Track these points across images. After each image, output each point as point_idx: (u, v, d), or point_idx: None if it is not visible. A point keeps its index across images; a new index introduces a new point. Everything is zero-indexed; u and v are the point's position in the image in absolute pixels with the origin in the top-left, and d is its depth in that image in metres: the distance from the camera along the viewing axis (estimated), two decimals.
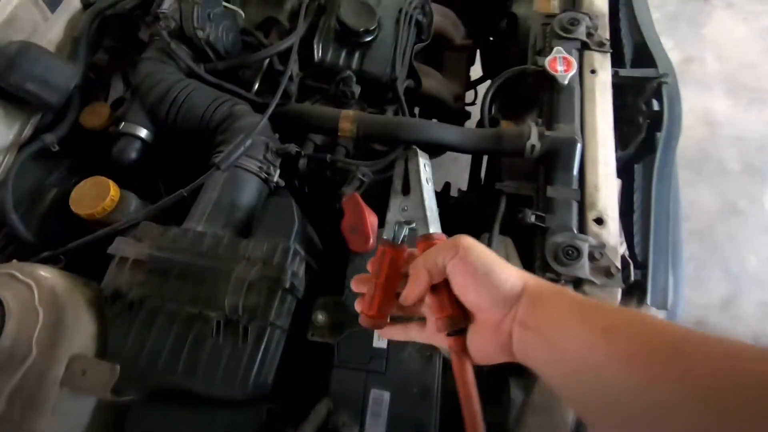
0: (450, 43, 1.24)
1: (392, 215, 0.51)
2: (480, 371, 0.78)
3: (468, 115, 1.31)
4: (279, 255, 0.67)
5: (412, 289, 0.46)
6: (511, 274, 0.42)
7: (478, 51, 1.45)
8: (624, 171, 0.92)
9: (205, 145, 0.83)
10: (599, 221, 0.79)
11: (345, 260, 0.72)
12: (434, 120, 0.96)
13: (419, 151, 0.52)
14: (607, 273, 0.75)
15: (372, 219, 0.67)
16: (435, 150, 0.85)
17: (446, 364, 0.66)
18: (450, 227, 1.06)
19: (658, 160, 0.91)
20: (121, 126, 0.85)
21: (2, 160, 0.88)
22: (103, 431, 0.63)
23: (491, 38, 1.37)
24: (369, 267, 0.51)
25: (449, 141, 0.84)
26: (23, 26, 0.87)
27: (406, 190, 0.51)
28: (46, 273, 0.68)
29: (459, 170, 1.71)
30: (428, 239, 0.48)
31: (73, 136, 0.91)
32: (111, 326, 0.66)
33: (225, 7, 0.97)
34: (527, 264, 0.80)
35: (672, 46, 2.18)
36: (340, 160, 0.88)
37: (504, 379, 0.74)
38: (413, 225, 0.50)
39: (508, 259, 0.81)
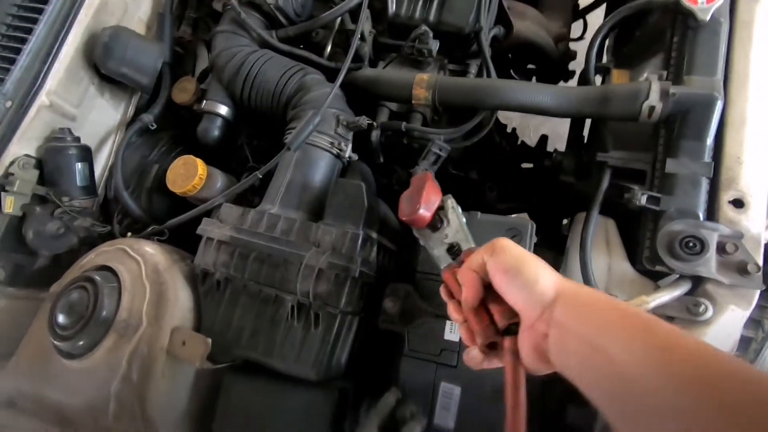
0: None
1: (438, 248, 0.57)
2: (535, 395, 0.72)
3: (573, 56, 1.11)
4: (348, 242, 0.66)
5: (467, 293, 0.47)
6: (541, 275, 0.42)
7: None
8: None
9: (280, 120, 0.82)
10: (738, 203, 0.63)
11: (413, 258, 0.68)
12: (529, 74, 0.80)
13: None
14: (742, 270, 0.60)
15: (433, 195, 0.60)
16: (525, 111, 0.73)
17: None
18: (543, 199, 0.94)
19: None
20: (203, 105, 0.87)
21: (113, 139, 0.98)
22: (203, 392, 0.72)
23: None
24: (444, 296, 0.53)
25: (542, 105, 0.71)
26: (114, 9, 0.91)
27: (434, 228, 0.58)
28: (151, 249, 0.76)
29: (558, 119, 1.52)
30: (472, 251, 0.52)
31: (168, 113, 0.97)
32: (203, 302, 0.73)
33: None
34: (632, 255, 0.68)
35: None
36: (416, 129, 0.81)
37: (563, 406, 0.67)
38: (456, 247, 0.55)
39: (608, 245, 0.70)
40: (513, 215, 1.20)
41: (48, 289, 0.80)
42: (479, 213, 0.67)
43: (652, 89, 0.65)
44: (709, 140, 0.64)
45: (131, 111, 0.99)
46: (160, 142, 1.00)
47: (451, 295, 0.52)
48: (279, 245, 0.68)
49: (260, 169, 0.75)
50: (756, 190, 0.63)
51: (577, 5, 1.18)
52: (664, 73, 0.69)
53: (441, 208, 0.59)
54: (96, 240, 0.88)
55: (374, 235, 0.70)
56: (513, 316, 0.45)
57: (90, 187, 0.88)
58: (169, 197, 0.90)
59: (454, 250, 0.56)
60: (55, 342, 0.70)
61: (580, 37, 1.24)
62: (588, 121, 0.89)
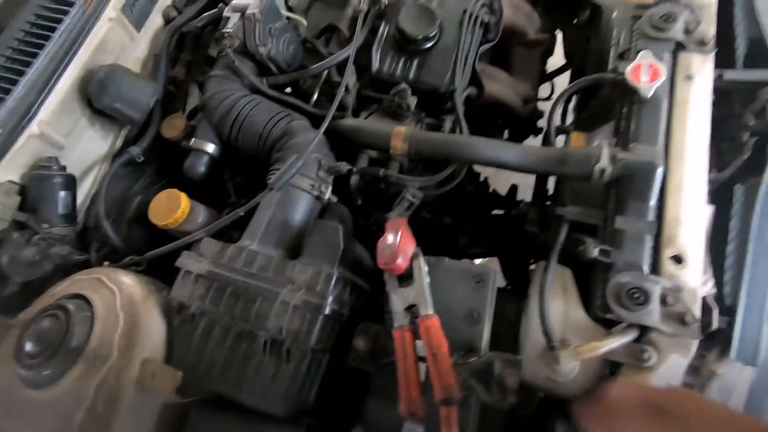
0: (522, 37, 1.14)
1: (398, 304, 0.65)
2: (528, 407, 0.75)
3: (540, 116, 1.21)
4: (322, 282, 0.69)
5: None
6: None
7: (560, 35, 1.31)
8: (719, 193, 0.79)
9: (264, 161, 0.87)
10: (677, 259, 0.70)
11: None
12: (497, 134, 0.88)
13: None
14: (681, 321, 0.66)
15: (408, 245, 0.66)
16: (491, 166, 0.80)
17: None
18: (511, 246, 0.99)
19: (765, 183, 0.77)
20: (192, 142, 0.92)
21: (99, 169, 1.01)
22: (168, 427, 0.71)
23: (571, 34, 1.23)
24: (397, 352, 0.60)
25: (506, 161, 0.78)
26: (113, 48, 0.96)
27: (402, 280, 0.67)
28: (127, 279, 0.78)
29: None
30: (429, 318, 0.62)
31: (155, 146, 1.01)
32: (177, 334, 0.74)
33: (288, 18, 0.99)
34: (587, 302, 0.73)
35: None
36: (392, 176, 0.87)
37: (551, 418, 0.71)
38: (415, 307, 0.64)
39: (565, 292, 0.75)
40: (483, 259, 1.26)
41: (15, 316, 0.80)
42: (447, 258, 0.72)
43: (603, 154, 0.73)
44: (652, 201, 0.72)
45: (119, 143, 1.02)
46: (144, 174, 1.02)
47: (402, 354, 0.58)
48: (255, 281, 0.71)
49: (242, 206, 0.79)
50: (693, 248, 0.70)
51: (545, 71, 1.30)
52: (614, 140, 0.78)
53: (413, 258, 0.66)
54: (71, 268, 0.88)
55: (348, 275, 0.73)
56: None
57: (71, 215, 0.90)
58: (149, 229, 0.92)
59: (412, 310, 0.65)
60: (21, 371, 0.70)
61: (548, 98, 1.35)
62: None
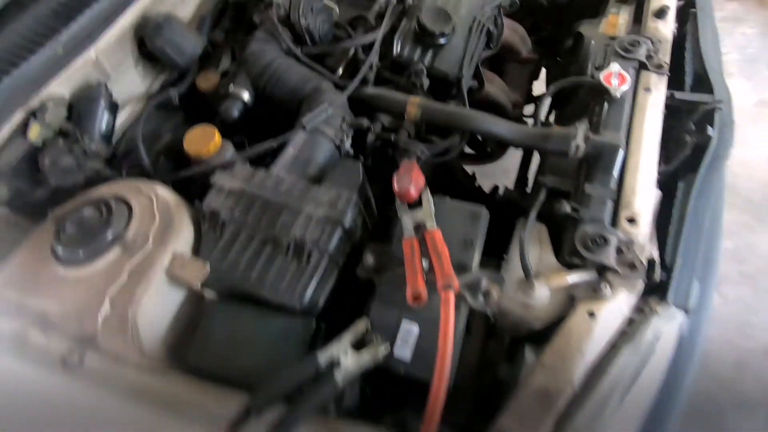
0: (516, 55, 1.35)
1: (408, 222, 0.78)
2: (502, 337, 0.87)
3: (524, 122, 1.40)
4: (343, 201, 0.81)
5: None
6: None
7: (543, 69, 1.54)
8: (666, 187, 0.98)
9: (292, 112, 0.99)
10: (631, 220, 0.86)
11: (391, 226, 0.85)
12: None
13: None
14: (632, 266, 0.81)
15: (420, 179, 0.79)
16: (487, 139, 0.96)
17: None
18: (495, 220, 1.16)
19: (700, 176, 0.96)
20: (230, 88, 1.03)
21: (133, 107, 1.10)
22: (186, 318, 0.79)
23: (556, 57, 1.46)
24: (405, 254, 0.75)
25: (500, 133, 0.94)
26: (167, 3, 1.09)
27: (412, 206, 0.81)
28: (162, 189, 0.87)
29: (509, 181, 1.80)
30: (434, 231, 0.76)
31: (188, 95, 1.12)
32: (204, 239, 0.83)
33: (324, 3, 1.15)
34: (557, 251, 0.88)
35: (750, 88, 2.13)
36: (402, 141, 1.01)
37: (521, 343, 0.83)
38: (423, 225, 0.78)
39: (540, 242, 0.89)
40: None
41: (35, 221, 0.86)
42: (448, 198, 0.85)
43: (579, 133, 0.90)
44: (615, 173, 0.89)
45: (156, 87, 1.13)
46: (174, 117, 1.12)
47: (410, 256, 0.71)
48: (282, 197, 0.82)
49: (276, 139, 0.91)
50: (643, 214, 0.87)
51: (531, 90, 1.51)
52: (587, 126, 0.96)
53: (422, 191, 0.80)
54: (101, 183, 0.95)
55: (361, 206, 0.85)
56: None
57: (108, 137, 0.98)
58: (175, 163, 1.01)
59: (419, 228, 0.77)
60: (58, 248, 0.76)
61: (532, 116, 1.55)
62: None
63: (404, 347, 0.74)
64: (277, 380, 0.63)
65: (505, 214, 1.15)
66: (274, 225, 0.80)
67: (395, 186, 0.78)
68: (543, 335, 0.81)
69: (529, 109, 1.56)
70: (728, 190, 0.97)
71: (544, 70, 1.55)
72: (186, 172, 0.93)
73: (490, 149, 1.38)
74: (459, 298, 0.75)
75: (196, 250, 0.82)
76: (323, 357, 0.66)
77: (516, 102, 1.32)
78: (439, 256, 0.70)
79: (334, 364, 0.66)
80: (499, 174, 1.85)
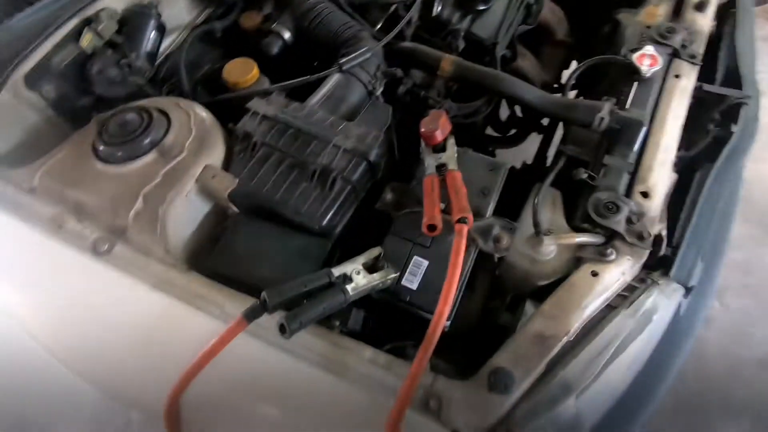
0: (552, 36, 1.37)
1: (431, 162, 0.80)
2: (504, 294, 0.90)
3: None
4: (371, 138, 0.84)
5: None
6: None
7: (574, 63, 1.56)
8: (683, 173, 1.00)
9: (330, 56, 1.03)
10: (645, 194, 0.88)
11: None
12: None
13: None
14: (639, 236, 0.84)
15: (447, 125, 0.83)
16: (514, 103, 0.98)
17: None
18: (512, 188, 1.17)
19: (718, 164, 0.98)
20: (273, 25, 1.07)
21: (178, 35, 1.14)
22: (210, 226, 0.83)
23: (591, 43, 1.47)
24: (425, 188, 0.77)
25: (528, 99, 0.97)
26: None
27: (436, 149, 0.83)
28: (199, 109, 0.91)
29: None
30: (455, 171, 0.79)
31: (231, 30, 1.16)
32: (234, 158, 0.87)
33: None
34: (569, 218, 0.91)
35: None
36: (432, 98, 1.04)
37: (522, 298, 0.86)
38: (445, 166, 0.80)
39: (554, 205, 0.92)
40: None
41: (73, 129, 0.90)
42: (470, 150, 0.89)
43: (605, 107, 0.92)
44: (635, 148, 0.91)
45: (201, 19, 1.17)
46: (216, 50, 1.16)
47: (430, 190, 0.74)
48: (314, 127, 0.85)
49: (312, 76, 0.94)
50: (657, 189, 0.89)
51: (561, 74, 1.52)
52: (614, 101, 0.98)
53: (447, 137, 0.83)
54: (141, 99, 1.00)
55: (386, 146, 0.89)
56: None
57: (153, 56, 1.03)
58: (212, 93, 1.05)
59: (441, 168, 0.80)
60: (100, 146, 0.81)
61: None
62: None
63: (412, 278, 0.77)
64: (292, 283, 0.67)
65: (523, 182, 1.19)
66: (304, 151, 0.84)
67: (422, 128, 0.81)
68: (545, 294, 0.84)
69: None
70: (741, 203, 0.99)
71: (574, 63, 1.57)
72: (223, 96, 0.97)
73: (515, 131, 1.41)
74: (470, 239, 0.79)
75: (226, 167, 0.86)
76: (337, 271, 0.70)
77: (545, 83, 1.34)
78: (457, 193, 0.73)
79: (346, 278, 0.70)
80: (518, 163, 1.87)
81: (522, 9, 1.17)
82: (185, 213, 0.80)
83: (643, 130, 0.92)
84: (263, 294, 0.64)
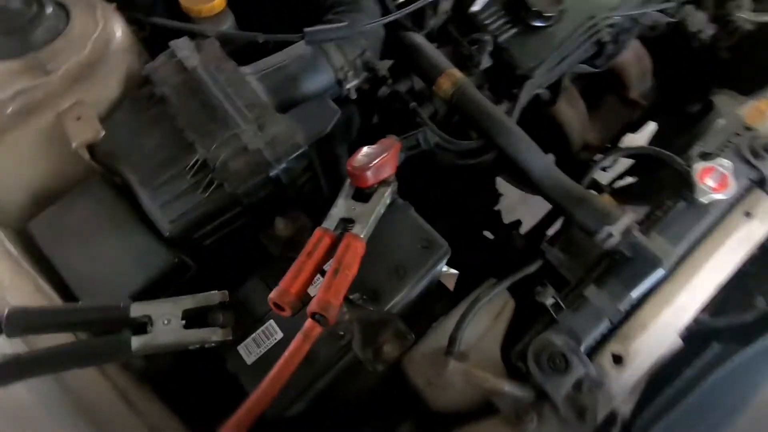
0: (623, 90, 1.05)
1: (339, 210, 0.59)
2: None
3: (587, 164, 1.12)
4: (287, 146, 0.62)
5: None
6: None
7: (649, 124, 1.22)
8: (692, 344, 0.72)
9: (315, 14, 0.79)
10: (618, 359, 0.63)
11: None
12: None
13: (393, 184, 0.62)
14: (581, 414, 0.60)
15: (388, 167, 0.59)
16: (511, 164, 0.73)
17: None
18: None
19: (749, 353, 0.70)
20: None
21: None
22: (53, 168, 0.65)
23: (669, 117, 1.14)
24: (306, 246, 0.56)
25: (530, 167, 0.71)
26: None
27: (360, 196, 0.60)
28: (120, 25, 0.70)
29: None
30: (357, 239, 0.56)
31: None
32: (126, 103, 0.68)
33: None
34: (509, 342, 0.67)
35: None
36: (420, 116, 0.79)
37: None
38: (351, 225, 0.57)
39: (496, 318, 0.69)
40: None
41: None
42: (413, 209, 0.65)
43: (621, 220, 0.65)
44: (636, 293, 0.65)
45: None
46: None
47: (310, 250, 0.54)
48: (229, 104, 0.64)
49: (266, 35, 0.71)
50: (639, 359, 0.63)
51: (619, 138, 1.20)
52: (640, 218, 0.70)
53: (382, 183, 0.59)
54: None
55: (314, 159, 0.67)
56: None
57: None
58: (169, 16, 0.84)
59: (346, 223, 0.58)
60: None
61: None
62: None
63: (254, 347, 0.58)
64: (61, 307, 0.49)
65: (496, 259, 0.95)
66: (202, 128, 0.63)
67: (349, 162, 0.59)
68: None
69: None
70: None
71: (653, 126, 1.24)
72: (164, 21, 0.76)
73: None
74: (346, 333, 0.57)
75: (111, 111, 0.67)
76: (140, 309, 0.51)
77: (589, 143, 1.04)
78: (337, 272, 0.51)
79: (147, 324, 0.51)
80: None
81: (590, 44, 0.86)
82: (25, 154, 0.62)
83: (659, 274, 0.65)
84: (6, 311, 0.46)
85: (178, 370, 0.61)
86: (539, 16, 0.82)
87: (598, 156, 0.83)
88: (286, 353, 0.48)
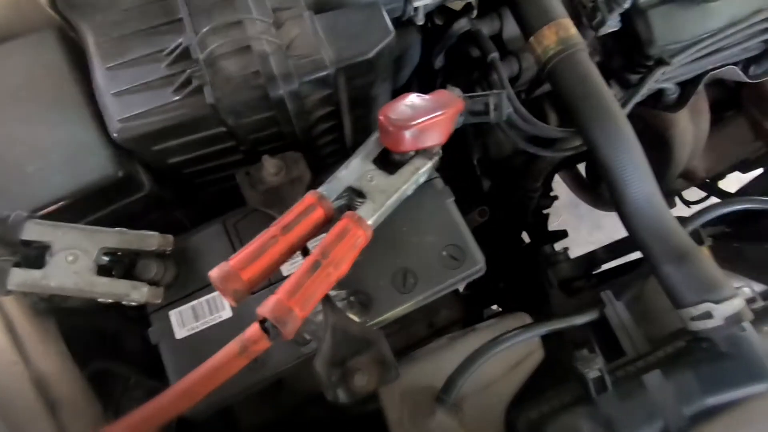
0: (761, 116, 0.80)
1: (349, 175, 0.41)
2: None
3: (677, 192, 0.91)
4: (307, 59, 0.43)
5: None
6: None
7: None
8: None
9: None
10: None
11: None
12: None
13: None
14: None
15: (435, 133, 0.41)
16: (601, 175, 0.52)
17: None
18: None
19: None
20: None
21: None
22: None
23: None
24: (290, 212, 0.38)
25: (625, 190, 0.50)
26: None
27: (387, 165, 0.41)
28: None
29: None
30: (360, 225, 0.37)
31: None
32: None
33: None
34: (520, 396, 0.51)
35: None
36: (499, 73, 0.58)
37: None
38: (361, 200, 0.40)
39: (514, 370, 0.52)
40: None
41: None
42: (453, 199, 0.47)
43: (732, 300, 0.46)
44: (711, 401, 0.46)
45: None
46: None
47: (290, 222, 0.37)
48: None
49: None
50: None
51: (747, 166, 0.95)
52: (752, 299, 0.50)
53: (421, 153, 0.41)
54: None
55: (341, 91, 0.48)
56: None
57: None
58: None
59: (354, 196, 0.40)
60: None
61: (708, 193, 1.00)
62: None
63: (189, 320, 0.43)
64: None
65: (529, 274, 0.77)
66: (197, 3, 0.44)
67: (384, 110, 0.40)
68: None
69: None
70: None
71: None
72: None
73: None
74: (308, 340, 0.42)
75: None
76: (40, 232, 0.36)
77: (692, 171, 0.81)
78: (315, 266, 0.34)
79: (44, 254, 0.36)
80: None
81: (748, 40, 0.61)
82: None
83: (759, 389, 0.46)
84: None
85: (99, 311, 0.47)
86: None
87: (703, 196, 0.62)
88: (214, 361, 0.32)
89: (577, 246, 0.91)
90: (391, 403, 0.48)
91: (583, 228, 1.65)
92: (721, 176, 0.97)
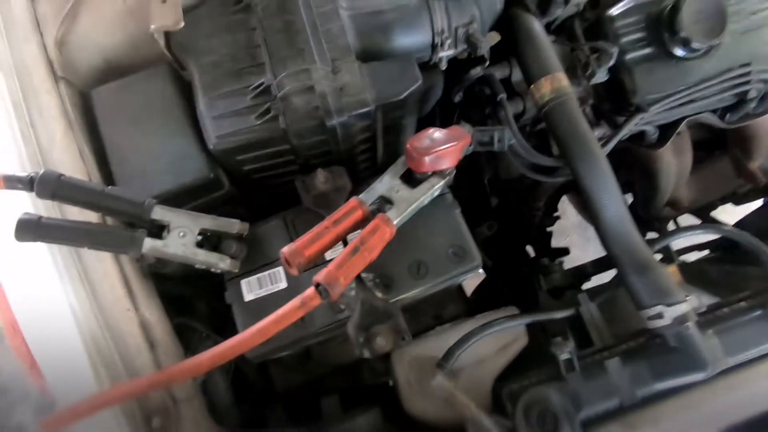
0: (743, 156, 0.90)
1: (382, 186, 0.55)
2: None
3: (664, 223, 1.01)
4: (354, 99, 0.58)
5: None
6: None
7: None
8: None
9: None
10: None
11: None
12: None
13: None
14: None
15: (450, 159, 0.54)
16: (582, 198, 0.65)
17: None
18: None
19: None
20: None
21: None
22: (121, 56, 0.65)
23: None
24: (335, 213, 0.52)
25: (601, 211, 0.62)
26: None
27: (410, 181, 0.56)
28: None
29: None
30: (388, 224, 0.51)
31: None
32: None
33: None
34: (506, 372, 0.63)
35: None
36: (506, 111, 0.71)
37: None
38: (389, 206, 0.54)
39: (501, 351, 0.64)
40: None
41: None
42: (459, 210, 0.60)
43: (680, 305, 0.57)
44: (660, 386, 0.58)
45: None
46: None
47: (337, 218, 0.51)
48: (313, 35, 0.59)
49: None
50: None
51: (713, 205, 1.06)
52: (702, 309, 0.61)
53: (437, 173, 0.54)
54: None
55: (378, 122, 0.62)
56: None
57: None
58: None
59: (384, 202, 0.54)
60: None
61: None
62: None
63: (255, 287, 0.57)
64: (92, 190, 0.49)
65: (527, 282, 0.89)
66: (275, 52, 0.59)
67: (413, 139, 0.54)
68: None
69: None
70: None
71: None
72: None
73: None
74: (336, 308, 0.55)
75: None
76: (162, 213, 0.51)
77: (678, 201, 0.92)
78: (355, 250, 0.48)
79: (162, 230, 0.51)
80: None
81: (731, 95, 0.73)
82: (107, 20, 0.61)
83: (697, 377, 0.57)
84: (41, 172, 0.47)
85: (184, 279, 0.62)
86: (685, 44, 0.70)
87: (684, 219, 0.73)
88: (279, 311, 0.46)
89: None
90: (401, 367, 0.61)
91: (590, 249, 1.74)
92: (713, 207, 1.07)
